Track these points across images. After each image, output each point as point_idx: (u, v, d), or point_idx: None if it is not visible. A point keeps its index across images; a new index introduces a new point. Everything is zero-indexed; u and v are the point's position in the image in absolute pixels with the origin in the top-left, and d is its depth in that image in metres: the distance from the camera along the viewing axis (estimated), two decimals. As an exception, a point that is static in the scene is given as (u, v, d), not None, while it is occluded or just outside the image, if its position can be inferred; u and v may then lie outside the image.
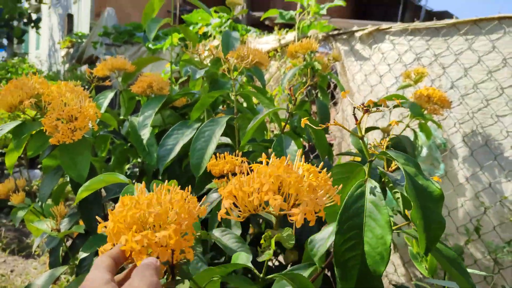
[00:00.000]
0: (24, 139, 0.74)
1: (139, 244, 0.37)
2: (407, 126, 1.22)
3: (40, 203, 0.81)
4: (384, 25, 1.56)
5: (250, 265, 0.51)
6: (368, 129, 1.21)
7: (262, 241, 0.48)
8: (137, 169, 1.20)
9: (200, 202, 0.46)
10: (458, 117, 1.37)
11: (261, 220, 1.10)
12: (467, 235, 1.30)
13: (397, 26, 1.52)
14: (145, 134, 0.92)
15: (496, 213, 1.28)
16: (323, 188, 0.43)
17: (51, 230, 0.75)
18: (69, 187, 0.99)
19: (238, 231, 0.76)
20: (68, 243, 1.02)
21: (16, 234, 2.60)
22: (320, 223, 1.19)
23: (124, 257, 0.38)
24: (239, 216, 0.42)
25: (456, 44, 1.36)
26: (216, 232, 0.72)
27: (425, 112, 1.19)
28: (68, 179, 0.98)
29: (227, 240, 0.71)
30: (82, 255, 0.78)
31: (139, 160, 1.15)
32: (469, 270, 0.55)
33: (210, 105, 1.04)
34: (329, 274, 0.95)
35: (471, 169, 1.34)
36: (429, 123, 1.23)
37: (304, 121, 0.54)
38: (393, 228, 0.58)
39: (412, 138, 1.22)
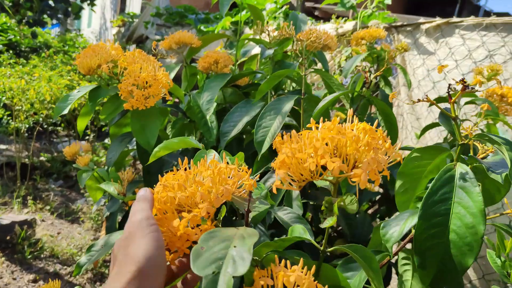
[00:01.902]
0: (98, 103, 0.76)
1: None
2: (476, 125, 1.14)
3: (106, 168, 0.83)
4: (455, 19, 1.47)
5: (308, 237, 0.48)
6: (430, 126, 1.15)
7: (323, 208, 0.45)
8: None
9: (252, 176, 0.44)
10: (531, 121, 1.27)
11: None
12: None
13: (470, 20, 1.42)
14: (210, 109, 0.91)
15: None
16: (382, 147, 0.39)
17: (118, 194, 0.77)
18: (130, 156, 1.01)
19: (299, 211, 0.74)
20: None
21: (64, 199, 2.74)
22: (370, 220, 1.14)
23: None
24: (294, 186, 0.40)
25: (537, 42, 1.26)
26: (278, 211, 0.71)
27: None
28: (129, 148, 1.00)
29: (288, 219, 0.69)
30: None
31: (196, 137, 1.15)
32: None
33: (273, 87, 1.02)
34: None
35: (540, 178, 1.25)
36: (498, 125, 1.15)
37: (392, 95, 0.51)
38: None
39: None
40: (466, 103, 1.10)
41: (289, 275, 0.33)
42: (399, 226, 0.52)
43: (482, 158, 0.56)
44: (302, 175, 0.39)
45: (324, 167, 0.38)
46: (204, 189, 0.38)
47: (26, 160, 3.01)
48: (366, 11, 1.81)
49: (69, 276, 1.89)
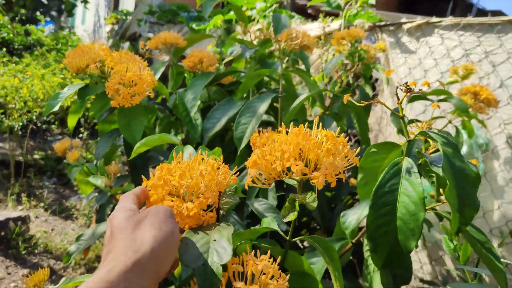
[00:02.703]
0: (87, 101, 0.81)
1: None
2: (450, 122, 1.20)
3: (94, 162, 0.88)
4: (435, 19, 1.52)
5: (277, 228, 0.52)
6: (408, 122, 1.20)
7: (286, 204, 0.50)
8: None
9: (233, 172, 0.48)
10: (504, 117, 1.33)
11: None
12: (500, 237, 1.27)
13: (449, 20, 1.48)
14: (194, 107, 0.96)
15: (534, 219, 1.24)
16: (341, 152, 0.45)
17: (105, 186, 0.82)
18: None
19: (274, 203, 0.79)
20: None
21: (57, 196, 2.77)
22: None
23: (144, 196, 0.42)
24: (264, 184, 0.45)
25: (510, 42, 1.32)
26: (254, 202, 0.76)
27: (470, 109, 1.17)
28: (117, 144, 1.05)
29: (263, 209, 0.74)
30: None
31: (182, 135, 1.20)
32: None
33: (255, 85, 1.07)
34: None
35: (513, 171, 1.31)
36: (472, 121, 1.21)
37: (346, 97, 0.56)
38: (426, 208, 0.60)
39: (453, 135, 1.21)
40: (440, 101, 1.15)
41: (257, 264, 0.38)
42: (356, 215, 0.57)
43: (431, 153, 0.61)
44: (271, 174, 0.44)
45: (290, 169, 0.44)
46: (208, 180, 0.43)
47: (20, 158, 3.04)
48: (351, 10, 1.86)
49: (62, 270, 1.93)
